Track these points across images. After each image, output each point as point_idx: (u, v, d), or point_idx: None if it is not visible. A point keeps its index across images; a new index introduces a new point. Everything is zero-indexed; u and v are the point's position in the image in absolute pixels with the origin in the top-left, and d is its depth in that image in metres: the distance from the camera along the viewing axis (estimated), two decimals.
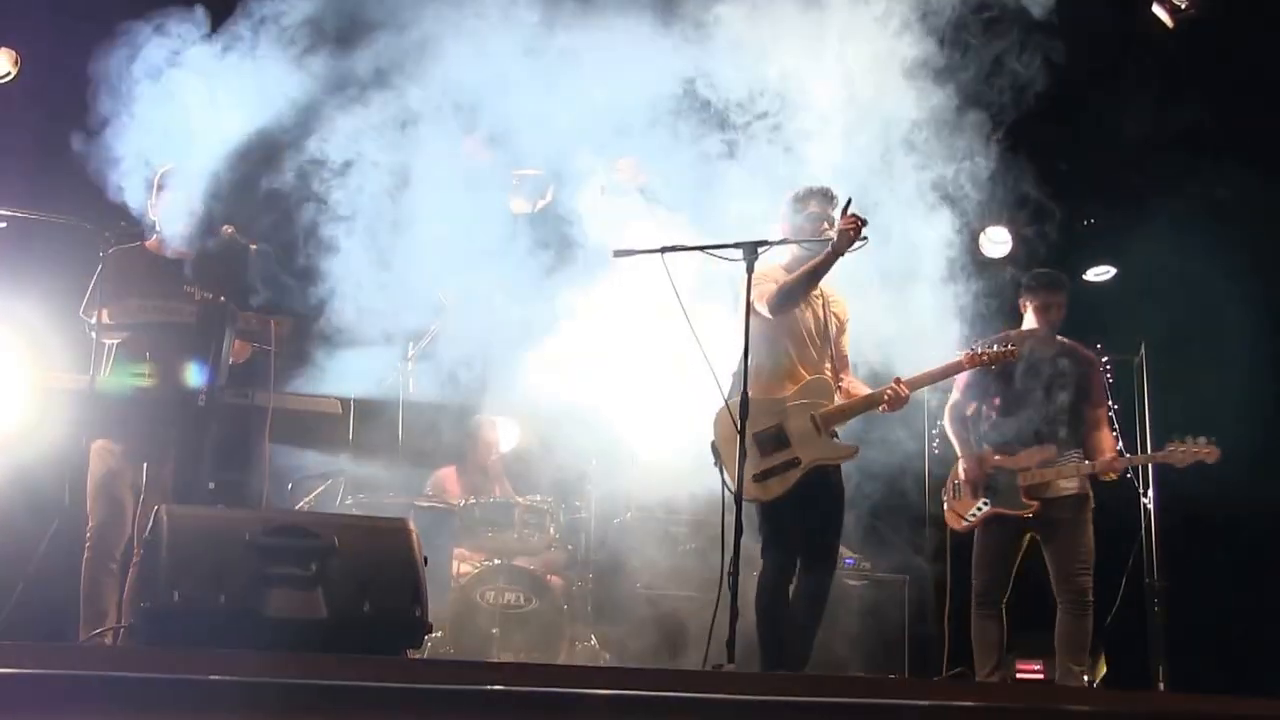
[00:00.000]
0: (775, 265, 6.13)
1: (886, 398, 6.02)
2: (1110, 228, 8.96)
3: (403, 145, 7.01)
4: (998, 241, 9.00)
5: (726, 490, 5.74)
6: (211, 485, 6.02)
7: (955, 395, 7.01)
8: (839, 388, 6.15)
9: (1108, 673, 7.62)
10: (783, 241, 5.96)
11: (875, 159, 6.62)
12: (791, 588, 6.01)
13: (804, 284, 5.92)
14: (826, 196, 6.05)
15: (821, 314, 6.16)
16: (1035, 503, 6.66)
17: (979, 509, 6.77)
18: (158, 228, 6.13)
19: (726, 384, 5.85)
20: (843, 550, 7.26)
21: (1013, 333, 6.88)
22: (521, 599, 7.59)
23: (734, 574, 5.32)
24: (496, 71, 6.79)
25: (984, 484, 6.79)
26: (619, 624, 7.92)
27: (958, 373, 6.44)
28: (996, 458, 6.78)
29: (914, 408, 6.47)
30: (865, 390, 6.17)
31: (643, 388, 7.48)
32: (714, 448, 5.96)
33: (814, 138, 6.60)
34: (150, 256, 6.19)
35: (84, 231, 5.65)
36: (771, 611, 5.92)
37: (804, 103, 6.68)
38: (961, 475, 6.90)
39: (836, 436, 6.06)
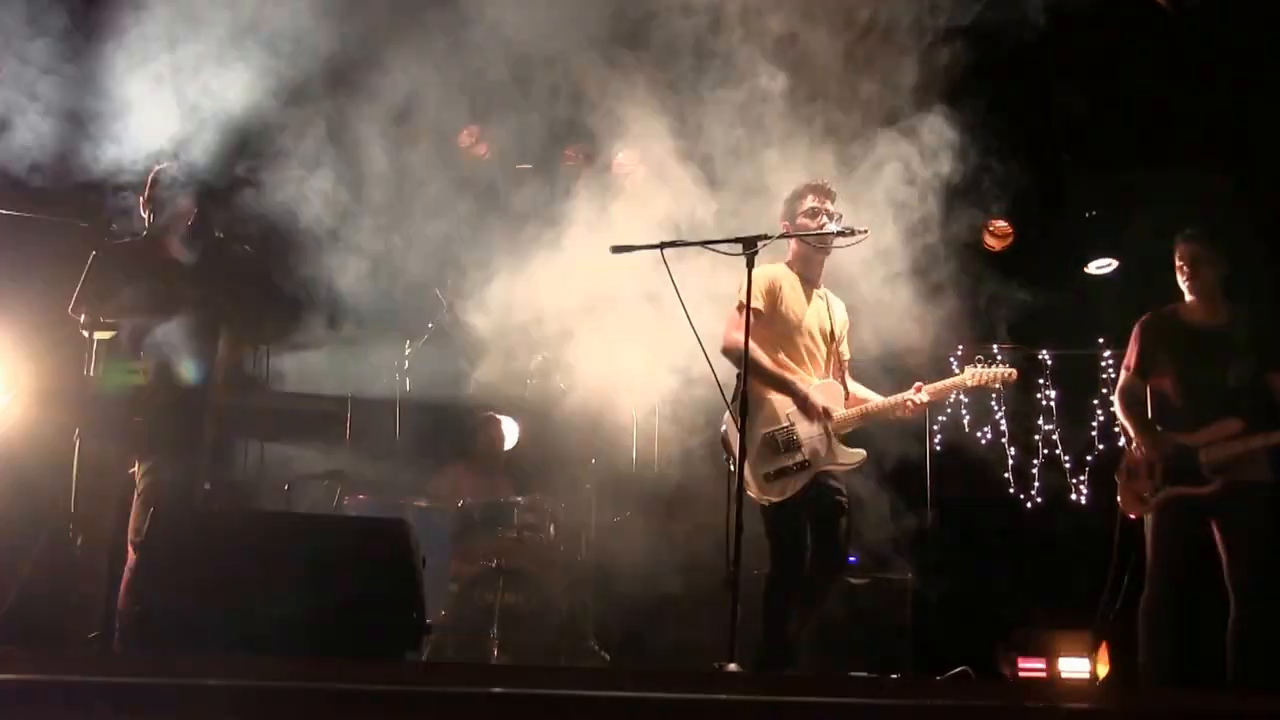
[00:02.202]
0: (779, 265, 6.10)
1: (909, 405, 5.99)
2: (1112, 220, 8.91)
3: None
4: (1000, 235, 8.94)
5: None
6: (208, 485, 5.99)
7: (1125, 376, 6.51)
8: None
9: (1111, 670, 7.57)
10: (783, 236, 5.94)
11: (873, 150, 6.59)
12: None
13: (753, 371, 5.68)
14: (822, 192, 6.04)
15: (826, 315, 6.13)
16: (1218, 477, 6.16)
17: (1157, 490, 6.27)
18: (147, 224, 6.09)
19: (729, 380, 5.81)
20: None
21: (1173, 305, 6.48)
22: (521, 600, 7.54)
23: (735, 573, 5.27)
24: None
25: (1161, 465, 6.29)
26: (619, 625, 7.87)
27: (959, 390, 6.26)
28: (1177, 436, 6.29)
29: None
30: (870, 396, 6.13)
31: (647, 384, 7.44)
32: (725, 444, 5.92)
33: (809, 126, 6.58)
34: (142, 255, 6.14)
35: (77, 229, 5.59)
36: (775, 612, 5.87)
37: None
38: (1131, 457, 6.40)
39: (845, 442, 6.01)
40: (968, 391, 6.41)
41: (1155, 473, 6.30)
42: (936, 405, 7.69)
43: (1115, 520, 6.64)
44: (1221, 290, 6.40)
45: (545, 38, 6.85)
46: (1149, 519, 6.34)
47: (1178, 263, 6.43)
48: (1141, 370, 6.48)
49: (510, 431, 8.77)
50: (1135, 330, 6.56)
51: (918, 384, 6.05)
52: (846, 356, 6.28)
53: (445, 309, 8.02)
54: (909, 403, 6.00)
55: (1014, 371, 6.21)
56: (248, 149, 6.41)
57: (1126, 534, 6.55)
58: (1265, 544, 6.14)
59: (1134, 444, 6.44)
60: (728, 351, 5.88)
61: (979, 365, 6.17)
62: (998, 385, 6.18)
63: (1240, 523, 6.17)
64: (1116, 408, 6.60)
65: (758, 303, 5.84)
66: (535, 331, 7.70)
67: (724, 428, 5.95)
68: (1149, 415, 6.45)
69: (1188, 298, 6.44)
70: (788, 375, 5.94)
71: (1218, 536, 6.22)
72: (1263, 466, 6.20)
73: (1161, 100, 7.95)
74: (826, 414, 5.89)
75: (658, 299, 6.15)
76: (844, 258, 6.18)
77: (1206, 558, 6.25)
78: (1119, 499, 6.46)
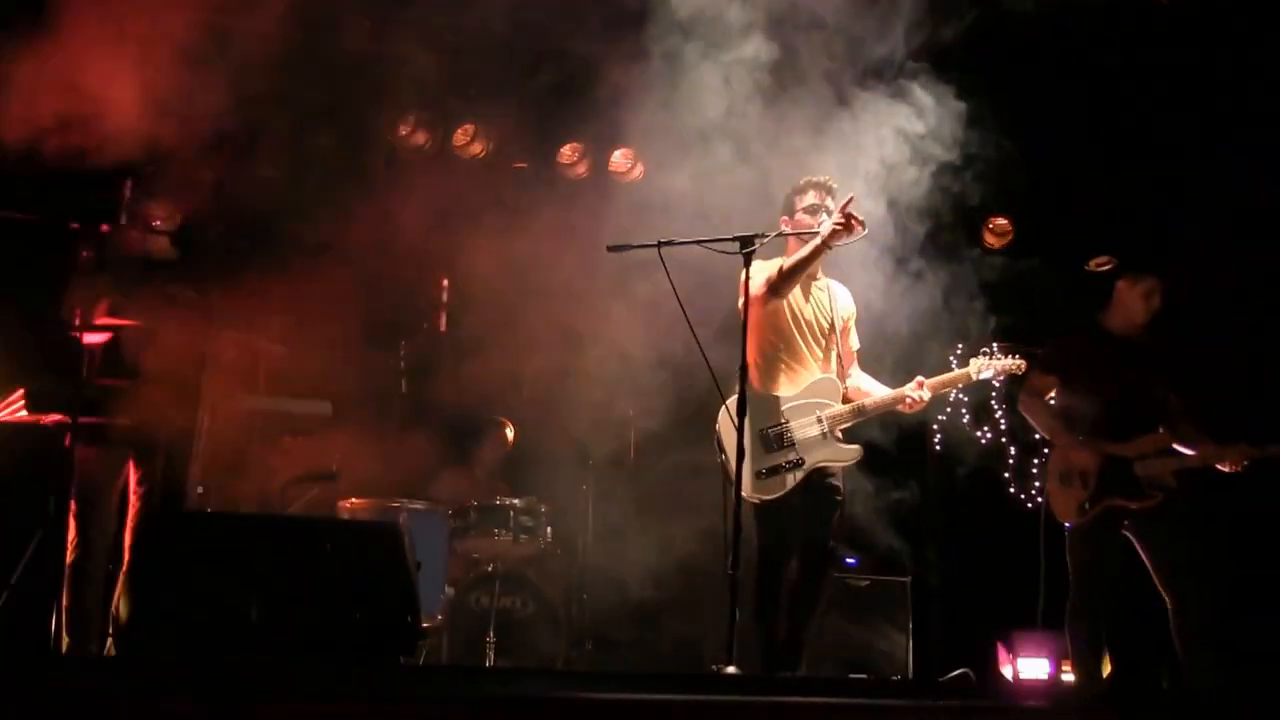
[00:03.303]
0: (776, 258, 6.05)
1: (908, 401, 5.92)
2: (1112, 219, 8.86)
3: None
4: (1000, 232, 8.92)
5: (731, 486, 5.67)
6: (200, 489, 5.94)
7: (1033, 375, 6.50)
8: (844, 386, 6.05)
9: (1113, 672, 7.52)
10: (779, 234, 5.88)
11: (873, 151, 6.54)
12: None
13: (790, 275, 5.82)
14: (824, 188, 5.97)
15: (827, 308, 6.07)
16: (1159, 492, 6.24)
17: (1094, 500, 6.31)
18: (127, 223, 6.02)
19: (727, 379, 5.76)
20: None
21: (1100, 317, 6.59)
22: (517, 603, 7.51)
23: (734, 574, 5.22)
24: None
25: (1096, 475, 6.35)
26: (616, 627, 7.83)
27: (966, 384, 6.18)
28: (1105, 445, 6.35)
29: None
30: (878, 388, 6.05)
31: (644, 384, 7.40)
32: (719, 443, 5.86)
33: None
34: (130, 256, 6.07)
35: (65, 231, 5.54)
36: (766, 611, 5.81)
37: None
38: (1067, 463, 6.42)
39: (841, 439, 5.95)
40: (972, 385, 6.29)
41: (1090, 482, 6.35)
42: (937, 402, 7.64)
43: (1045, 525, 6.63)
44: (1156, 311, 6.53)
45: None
46: (1075, 526, 6.40)
47: (1144, 291, 6.49)
48: (1067, 375, 6.53)
49: (511, 435, 8.71)
50: (1058, 340, 6.64)
51: (919, 379, 5.96)
52: (855, 347, 6.20)
53: (429, 318, 7.96)
54: (909, 399, 5.92)
55: (1023, 363, 6.15)
56: (238, 146, 6.35)
57: (1057, 537, 6.56)
58: (1190, 544, 6.26)
59: (1062, 449, 6.48)
60: (764, 295, 5.85)
61: (985, 358, 6.09)
62: (1004, 378, 6.13)
63: (1169, 529, 6.28)
64: (1028, 410, 6.61)
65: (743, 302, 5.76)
66: (530, 333, 7.67)
67: (719, 425, 5.90)
68: (1063, 422, 6.52)
69: (1131, 317, 6.51)
70: (805, 250, 5.82)
71: (1141, 543, 6.33)
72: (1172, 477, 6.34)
73: (1162, 99, 7.92)
74: (856, 220, 5.69)
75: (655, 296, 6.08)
76: (840, 252, 6.11)
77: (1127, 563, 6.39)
78: (1053, 505, 6.48)
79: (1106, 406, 6.42)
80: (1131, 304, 6.52)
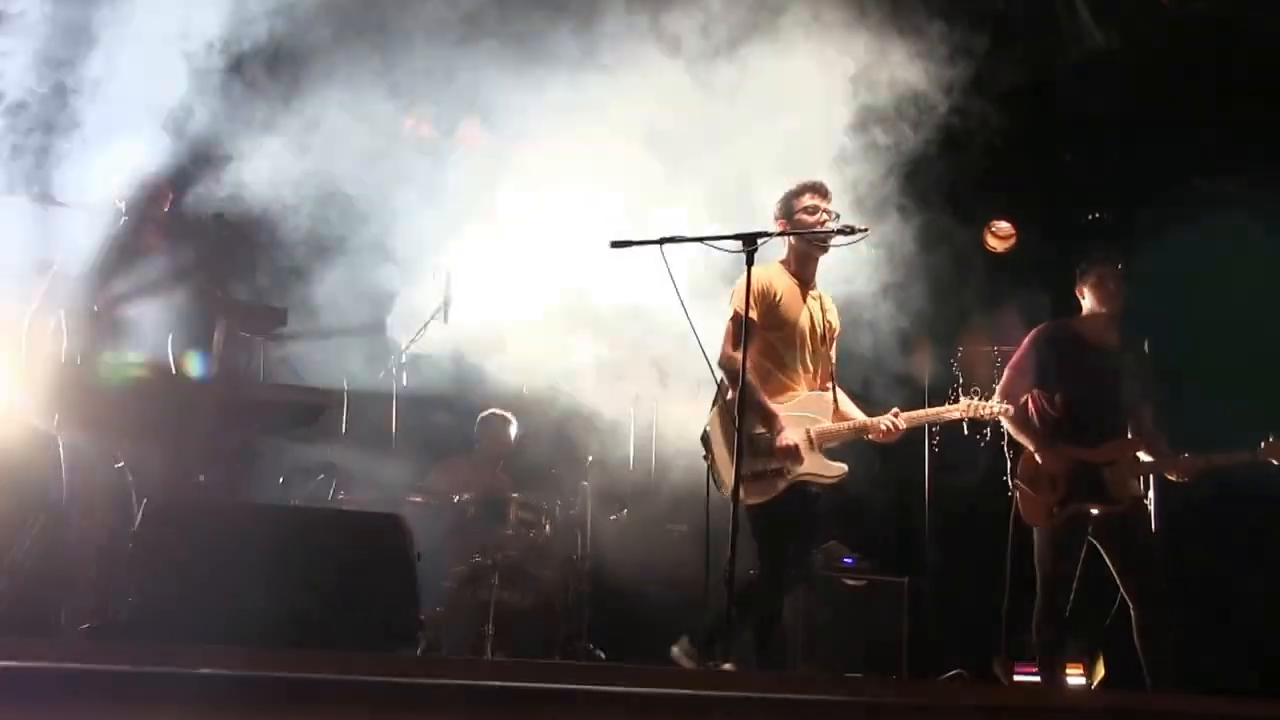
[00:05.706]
0: (773, 263, 6.05)
1: (882, 429, 5.92)
2: (1117, 222, 8.85)
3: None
4: (1002, 236, 8.92)
5: (713, 484, 5.78)
6: (201, 478, 5.93)
7: (1008, 375, 6.60)
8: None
9: (1105, 676, 7.52)
10: (782, 233, 5.90)
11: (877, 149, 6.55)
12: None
13: (748, 407, 5.55)
14: (819, 190, 5.99)
15: (819, 318, 6.07)
16: (1127, 497, 6.34)
17: (1062, 504, 6.40)
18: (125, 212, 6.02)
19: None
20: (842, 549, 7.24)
21: (1070, 320, 6.67)
22: (516, 597, 7.50)
23: (731, 571, 5.23)
24: None
25: (1066, 479, 6.43)
26: (614, 622, 7.83)
27: (951, 419, 6.25)
28: (1075, 450, 6.42)
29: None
30: (851, 408, 6.08)
31: (642, 382, 7.39)
32: (705, 441, 5.87)
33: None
34: (134, 241, 6.06)
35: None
36: (762, 610, 5.86)
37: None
38: (1037, 467, 6.48)
39: (825, 454, 5.96)
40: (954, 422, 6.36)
41: (1058, 485, 6.42)
42: None
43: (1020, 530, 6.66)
44: (1118, 307, 6.58)
45: None
46: (1044, 530, 6.47)
47: (1095, 282, 6.56)
48: (1039, 378, 6.57)
49: (514, 429, 8.71)
50: (1032, 336, 6.67)
51: (895, 410, 5.98)
52: (832, 362, 6.19)
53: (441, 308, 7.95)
54: (884, 427, 5.92)
55: (1009, 408, 6.23)
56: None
57: (1025, 544, 6.62)
58: (1155, 548, 6.44)
59: (1032, 452, 6.52)
60: (724, 368, 5.82)
61: (976, 398, 6.15)
62: (986, 417, 6.18)
63: (1135, 533, 6.38)
64: (1002, 409, 6.51)
65: (752, 312, 5.71)
66: (532, 327, 7.67)
67: (706, 426, 5.91)
68: (1037, 424, 6.55)
69: (1096, 313, 6.57)
70: (772, 410, 5.84)
71: (1106, 547, 6.39)
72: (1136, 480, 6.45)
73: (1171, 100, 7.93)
74: (795, 452, 5.79)
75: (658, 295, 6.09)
76: (841, 256, 6.12)
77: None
78: (1021, 508, 6.56)
79: (1075, 409, 6.47)
80: (1087, 295, 6.59)
